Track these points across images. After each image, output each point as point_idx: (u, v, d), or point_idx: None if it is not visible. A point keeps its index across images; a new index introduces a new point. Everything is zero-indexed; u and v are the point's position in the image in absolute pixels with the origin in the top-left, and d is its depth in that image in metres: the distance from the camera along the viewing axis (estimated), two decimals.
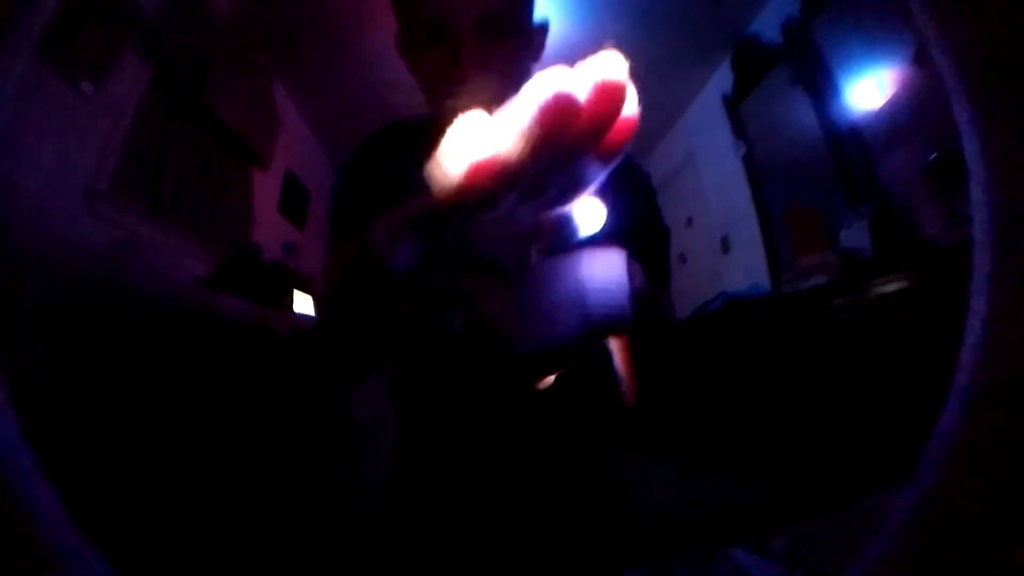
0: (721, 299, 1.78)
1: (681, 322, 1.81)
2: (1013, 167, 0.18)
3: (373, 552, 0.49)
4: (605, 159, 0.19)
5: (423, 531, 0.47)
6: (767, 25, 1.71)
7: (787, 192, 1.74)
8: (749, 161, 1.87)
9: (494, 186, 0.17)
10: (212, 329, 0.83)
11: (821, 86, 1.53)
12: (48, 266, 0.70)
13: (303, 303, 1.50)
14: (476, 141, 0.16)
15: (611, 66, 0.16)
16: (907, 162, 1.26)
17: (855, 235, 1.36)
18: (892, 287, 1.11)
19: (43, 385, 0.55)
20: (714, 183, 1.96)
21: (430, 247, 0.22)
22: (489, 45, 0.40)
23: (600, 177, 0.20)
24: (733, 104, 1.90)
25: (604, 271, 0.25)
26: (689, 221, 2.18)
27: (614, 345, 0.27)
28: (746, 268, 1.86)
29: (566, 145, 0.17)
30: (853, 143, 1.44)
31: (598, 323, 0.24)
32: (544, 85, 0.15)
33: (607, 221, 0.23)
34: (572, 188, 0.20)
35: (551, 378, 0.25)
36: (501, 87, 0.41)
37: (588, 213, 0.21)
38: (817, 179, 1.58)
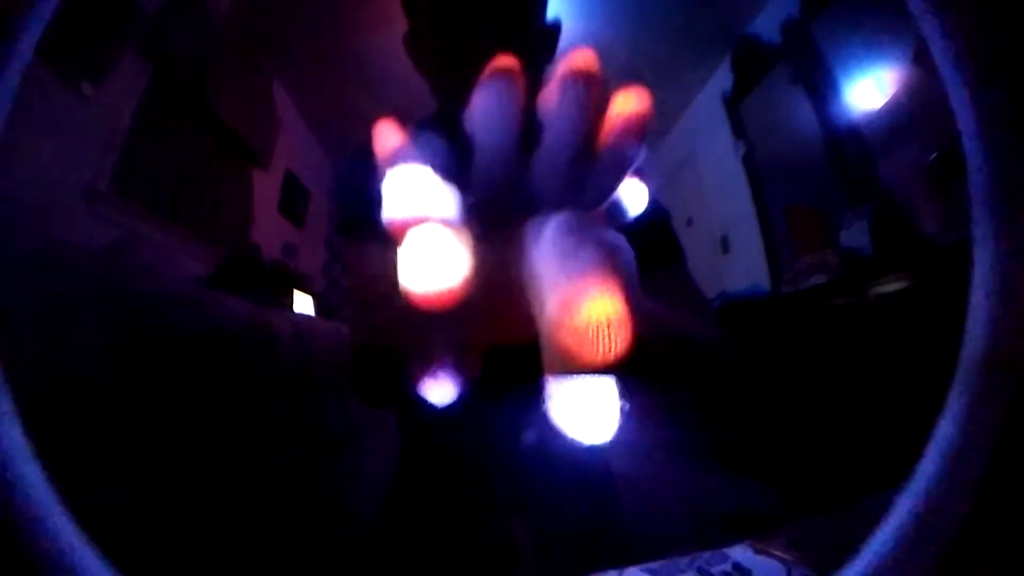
0: (721, 299, 1.78)
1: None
2: (1013, 167, 0.18)
3: (373, 552, 0.49)
4: (613, 162, 0.19)
5: (422, 531, 0.47)
6: (767, 25, 1.71)
7: (787, 192, 1.74)
8: (749, 161, 1.87)
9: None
10: (212, 329, 0.83)
11: (821, 86, 1.52)
12: (48, 266, 0.70)
13: (303, 303, 1.50)
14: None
15: (579, 62, 0.15)
16: (907, 162, 1.26)
17: (855, 235, 1.36)
18: (892, 287, 1.11)
19: (44, 385, 0.55)
20: (714, 183, 1.96)
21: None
22: (503, 44, 0.40)
23: (620, 178, 0.20)
24: (733, 104, 1.90)
25: None
26: (689, 221, 2.17)
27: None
28: (746, 268, 1.86)
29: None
30: (853, 143, 1.43)
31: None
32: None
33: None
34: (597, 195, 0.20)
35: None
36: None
37: (633, 193, 0.21)
38: (817, 179, 1.57)
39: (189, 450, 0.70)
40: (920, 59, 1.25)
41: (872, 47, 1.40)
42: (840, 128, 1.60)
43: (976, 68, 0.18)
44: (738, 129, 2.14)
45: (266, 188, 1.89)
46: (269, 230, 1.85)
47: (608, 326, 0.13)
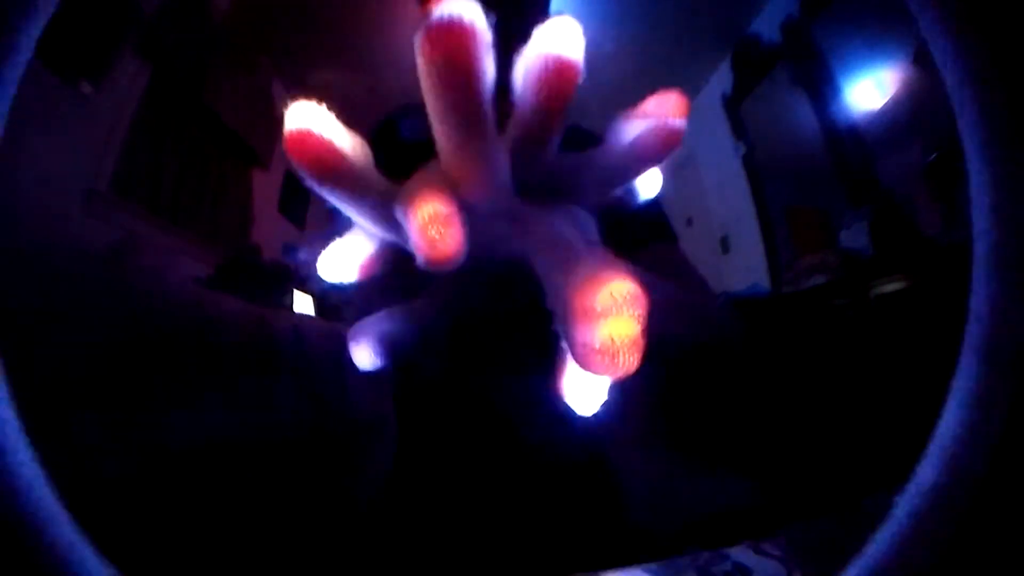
0: (721, 299, 1.78)
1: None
2: (1013, 167, 0.18)
3: (372, 552, 0.49)
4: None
5: (422, 530, 0.47)
6: (767, 25, 1.71)
7: (787, 192, 1.74)
8: (749, 161, 1.87)
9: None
10: (212, 329, 0.83)
11: (821, 86, 1.53)
12: (48, 266, 0.70)
13: (303, 303, 1.50)
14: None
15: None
16: (907, 162, 1.26)
17: (855, 235, 1.36)
18: (892, 287, 1.11)
19: (45, 385, 0.55)
20: (714, 183, 1.97)
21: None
22: (514, 25, 0.41)
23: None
24: (733, 104, 1.90)
25: None
26: (689, 221, 2.17)
27: None
28: (746, 268, 1.86)
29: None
30: (853, 143, 1.43)
31: None
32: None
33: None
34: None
35: None
36: None
37: (648, 177, 0.21)
38: (817, 179, 1.58)
39: (189, 449, 0.70)
40: (920, 59, 1.26)
41: (872, 47, 1.41)
42: (840, 128, 1.60)
43: (976, 68, 0.18)
44: (738, 129, 2.15)
45: (266, 188, 1.89)
46: (269, 230, 1.85)
47: (624, 347, 0.14)
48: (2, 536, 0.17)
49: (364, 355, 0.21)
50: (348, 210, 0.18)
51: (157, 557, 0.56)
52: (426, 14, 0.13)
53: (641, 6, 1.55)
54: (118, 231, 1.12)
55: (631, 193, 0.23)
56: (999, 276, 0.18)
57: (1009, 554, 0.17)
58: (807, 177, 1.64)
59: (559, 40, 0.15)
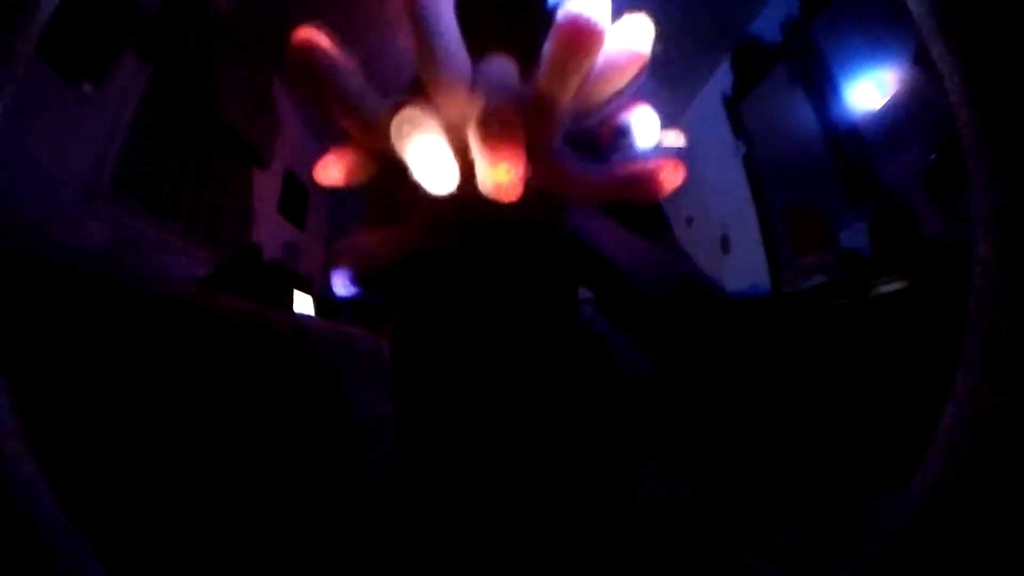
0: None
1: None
2: (1013, 167, 0.18)
3: (371, 551, 0.49)
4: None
5: (421, 530, 0.47)
6: (767, 25, 1.71)
7: (787, 192, 1.74)
8: (749, 161, 1.87)
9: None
10: (212, 329, 0.83)
11: (821, 86, 1.53)
12: (48, 266, 0.70)
13: (303, 303, 1.50)
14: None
15: None
16: (907, 162, 1.26)
17: (855, 235, 1.36)
18: (892, 287, 1.11)
19: (43, 386, 0.55)
20: (714, 183, 1.96)
21: None
22: (504, 26, 0.40)
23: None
24: (733, 104, 1.90)
25: None
26: (689, 221, 2.17)
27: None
28: (746, 268, 1.86)
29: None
30: (853, 143, 1.43)
31: None
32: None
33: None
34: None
35: None
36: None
37: (644, 121, 0.22)
38: (817, 179, 1.58)
39: (189, 449, 0.70)
40: (920, 59, 1.26)
41: (872, 47, 1.40)
42: (840, 128, 1.60)
43: (976, 69, 0.18)
44: (738, 129, 2.15)
45: (266, 188, 1.89)
46: (269, 230, 1.85)
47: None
48: (2, 536, 0.17)
49: (339, 281, 0.23)
50: (348, 116, 0.20)
51: (156, 557, 0.56)
52: None
53: (641, 6, 1.55)
54: (118, 230, 1.12)
55: (627, 136, 0.23)
56: (999, 275, 0.18)
57: (1009, 554, 0.17)
58: (807, 177, 1.64)
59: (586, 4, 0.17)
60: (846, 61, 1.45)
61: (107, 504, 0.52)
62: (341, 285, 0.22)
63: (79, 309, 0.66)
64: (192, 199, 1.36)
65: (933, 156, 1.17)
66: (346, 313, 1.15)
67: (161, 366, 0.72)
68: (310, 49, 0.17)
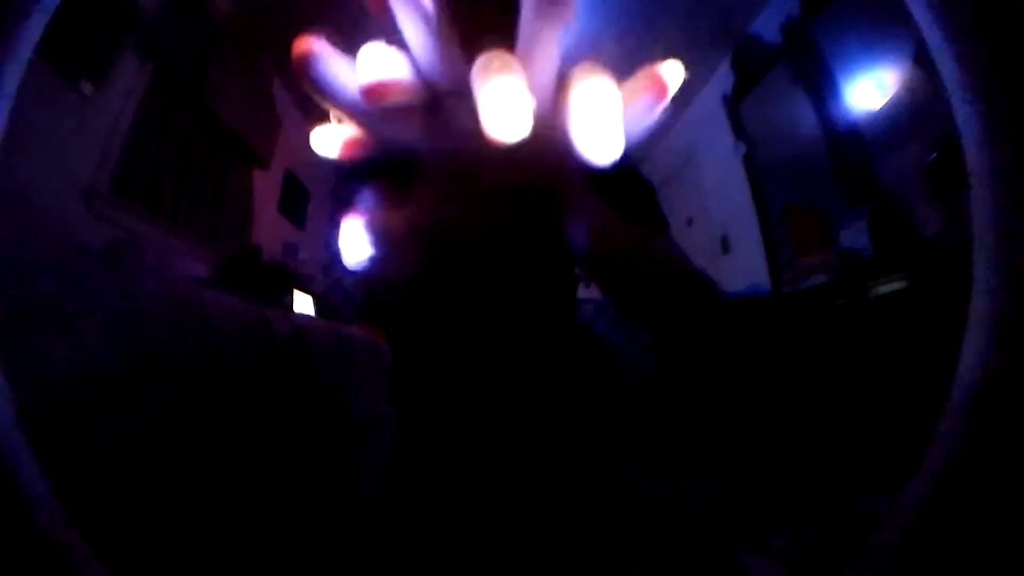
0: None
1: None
2: (1013, 167, 0.18)
3: (370, 552, 0.49)
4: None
5: (420, 531, 0.47)
6: (767, 25, 1.71)
7: (787, 192, 1.74)
8: (749, 161, 1.87)
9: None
10: (212, 329, 0.83)
11: (821, 86, 1.52)
12: (47, 266, 0.70)
13: (303, 303, 1.50)
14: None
15: None
16: (907, 162, 1.26)
17: (855, 235, 1.36)
18: (892, 287, 1.11)
19: (44, 386, 0.55)
20: (714, 183, 1.96)
21: None
22: (503, 13, 0.41)
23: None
24: (733, 104, 1.90)
25: None
26: (689, 221, 2.17)
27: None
28: (746, 268, 1.86)
29: None
30: (853, 143, 1.43)
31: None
32: None
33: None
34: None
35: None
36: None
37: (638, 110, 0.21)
38: (817, 179, 1.57)
39: (188, 450, 0.70)
40: (920, 59, 1.25)
41: (872, 47, 1.40)
42: (840, 128, 1.60)
43: (976, 68, 0.18)
44: (738, 129, 2.14)
45: (266, 188, 1.89)
46: (269, 230, 1.85)
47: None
48: (2, 536, 0.17)
49: (350, 248, 0.24)
50: (353, 121, 0.21)
51: (155, 556, 0.56)
52: None
53: (641, 6, 1.55)
54: (118, 230, 1.12)
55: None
56: (999, 276, 0.18)
57: (1009, 553, 0.17)
58: (807, 177, 1.64)
59: None
60: (846, 61, 1.45)
61: (107, 504, 0.52)
62: (352, 251, 0.22)
63: (79, 309, 0.66)
64: (192, 199, 1.35)
65: (933, 156, 1.17)
66: (346, 313, 1.15)
67: (161, 366, 0.72)
68: (311, 60, 0.17)
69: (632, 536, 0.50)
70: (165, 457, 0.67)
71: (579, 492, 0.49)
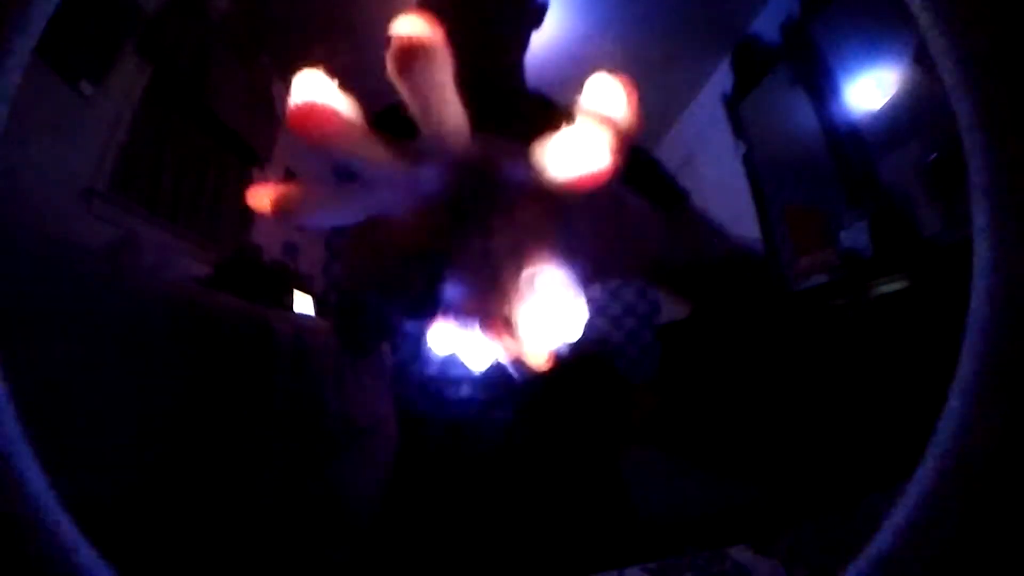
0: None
1: (680, 322, 1.82)
2: (1013, 167, 0.18)
3: (371, 555, 0.49)
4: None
5: (421, 533, 0.47)
6: (767, 25, 1.71)
7: (787, 192, 1.74)
8: (749, 161, 1.87)
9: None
10: (212, 329, 0.83)
11: (821, 86, 1.53)
12: (47, 266, 0.70)
13: (303, 303, 1.50)
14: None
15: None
16: (907, 162, 1.26)
17: (855, 235, 1.36)
18: (892, 287, 1.11)
19: (44, 385, 0.55)
20: (714, 183, 1.97)
21: None
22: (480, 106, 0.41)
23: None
24: (733, 104, 1.90)
25: None
26: None
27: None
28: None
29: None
30: (853, 143, 1.43)
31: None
32: None
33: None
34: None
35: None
36: None
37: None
38: (817, 179, 1.58)
39: (188, 449, 0.70)
40: (920, 59, 1.26)
41: (872, 47, 1.40)
42: (840, 128, 1.60)
43: (976, 68, 0.18)
44: (738, 129, 2.14)
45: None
46: (269, 230, 1.85)
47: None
48: (2, 536, 0.17)
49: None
50: (355, 161, 0.20)
51: (156, 557, 0.56)
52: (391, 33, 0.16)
53: (642, 6, 1.55)
54: (118, 230, 1.12)
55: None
56: (999, 275, 0.18)
57: (1008, 553, 0.17)
58: (807, 177, 1.64)
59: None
60: (846, 61, 1.45)
61: (108, 503, 0.52)
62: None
63: (79, 308, 0.66)
64: (191, 199, 1.36)
65: (933, 156, 1.17)
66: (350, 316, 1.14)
67: (160, 366, 0.72)
68: (311, 112, 0.16)
69: (633, 535, 0.50)
70: (165, 457, 0.67)
71: (579, 491, 0.50)
